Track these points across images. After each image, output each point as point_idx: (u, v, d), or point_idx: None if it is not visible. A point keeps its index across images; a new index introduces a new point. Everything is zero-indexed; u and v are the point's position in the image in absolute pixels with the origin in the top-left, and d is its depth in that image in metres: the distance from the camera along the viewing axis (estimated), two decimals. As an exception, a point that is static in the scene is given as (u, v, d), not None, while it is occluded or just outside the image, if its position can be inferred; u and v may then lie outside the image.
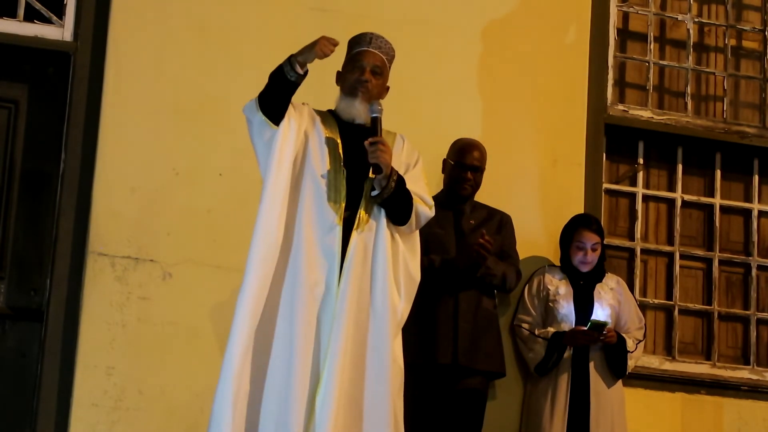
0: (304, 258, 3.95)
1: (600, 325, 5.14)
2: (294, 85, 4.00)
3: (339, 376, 3.87)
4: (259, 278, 3.90)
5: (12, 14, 5.35)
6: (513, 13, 5.75)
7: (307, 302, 3.91)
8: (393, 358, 3.99)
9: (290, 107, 4.07)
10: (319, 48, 3.96)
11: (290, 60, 3.99)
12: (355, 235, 3.99)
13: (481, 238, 4.96)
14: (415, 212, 4.09)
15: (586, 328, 5.16)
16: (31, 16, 5.35)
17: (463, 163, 5.24)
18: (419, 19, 5.60)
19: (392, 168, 4.01)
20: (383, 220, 4.06)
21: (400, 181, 4.04)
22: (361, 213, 4.03)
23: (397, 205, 4.05)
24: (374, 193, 4.01)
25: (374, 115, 4.04)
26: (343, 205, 4.01)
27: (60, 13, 5.36)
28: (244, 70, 5.35)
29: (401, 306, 4.05)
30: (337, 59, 4.28)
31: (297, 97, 4.14)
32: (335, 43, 3.99)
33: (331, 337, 3.90)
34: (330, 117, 4.20)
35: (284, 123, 4.02)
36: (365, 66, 4.16)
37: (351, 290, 3.94)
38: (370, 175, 4.01)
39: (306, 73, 4.00)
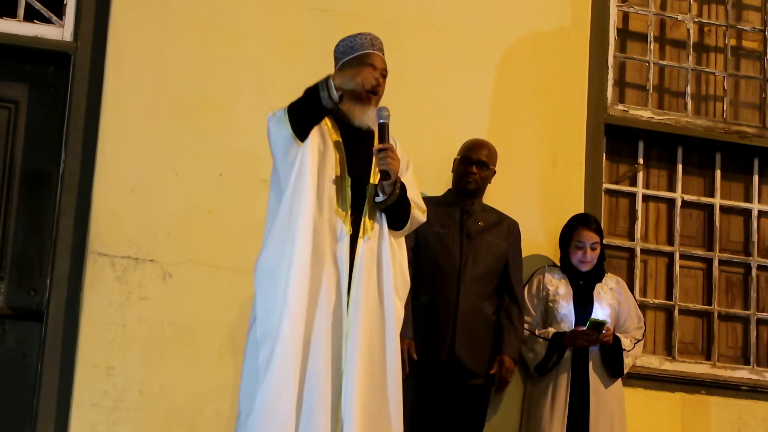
0: (321, 268, 3.92)
1: (599, 324, 5.14)
2: (328, 111, 3.93)
3: (359, 385, 3.85)
4: (301, 296, 3.87)
5: (12, 14, 5.35)
6: (513, 13, 5.75)
7: (326, 313, 3.89)
8: (399, 363, 4.00)
9: None
10: (360, 81, 3.89)
11: (327, 83, 3.88)
12: (361, 243, 3.96)
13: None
14: (411, 218, 4.08)
15: (584, 328, 5.17)
16: (31, 16, 5.35)
17: (469, 157, 5.25)
18: (419, 19, 5.60)
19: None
20: (384, 226, 4.04)
21: (403, 187, 4.02)
22: (366, 220, 3.99)
23: (398, 211, 4.03)
24: (379, 199, 3.99)
25: (382, 121, 3.96)
26: (350, 212, 3.99)
27: (60, 13, 5.36)
28: (244, 70, 5.35)
29: (401, 310, 4.05)
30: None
31: (295, 94, 4.09)
32: (378, 79, 3.93)
33: (348, 347, 3.88)
34: (332, 117, 4.11)
35: (308, 139, 3.94)
36: (377, 69, 4.07)
37: (363, 298, 3.92)
38: (372, 180, 3.98)
39: (342, 98, 3.91)
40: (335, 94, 3.88)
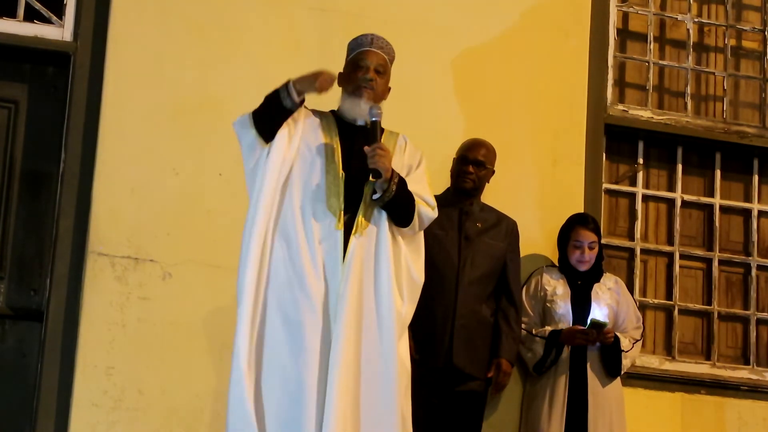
0: (306, 264, 3.93)
1: (599, 325, 5.14)
2: (290, 112, 4.03)
3: (342, 381, 3.86)
4: (252, 294, 3.93)
5: (12, 14, 5.35)
6: (513, 13, 5.75)
7: (312, 308, 3.90)
8: (400, 360, 3.99)
9: None
10: (319, 83, 3.99)
11: (287, 86, 4.00)
12: (353, 240, 3.98)
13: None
14: (418, 214, 4.08)
15: (585, 327, 5.17)
16: (31, 16, 5.35)
17: (466, 157, 5.26)
18: (419, 18, 5.60)
19: (393, 171, 4.00)
20: (384, 223, 4.05)
21: (401, 183, 4.03)
22: (360, 217, 4.02)
23: (398, 207, 4.04)
24: (375, 196, 4.01)
25: (374, 119, 4.02)
26: (342, 209, 4.00)
27: (60, 13, 5.36)
28: (244, 70, 5.35)
29: (405, 308, 4.04)
30: (342, 57, 4.29)
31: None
32: (334, 79, 4.05)
33: (332, 343, 3.90)
34: (331, 119, 4.19)
35: (276, 140, 4.03)
36: (369, 65, 4.16)
37: (350, 294, 3.92)
38: (370, 179, 4.00)
39: (302, 101, 4.04)
40: (294, 95, 3.99)
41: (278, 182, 4.01)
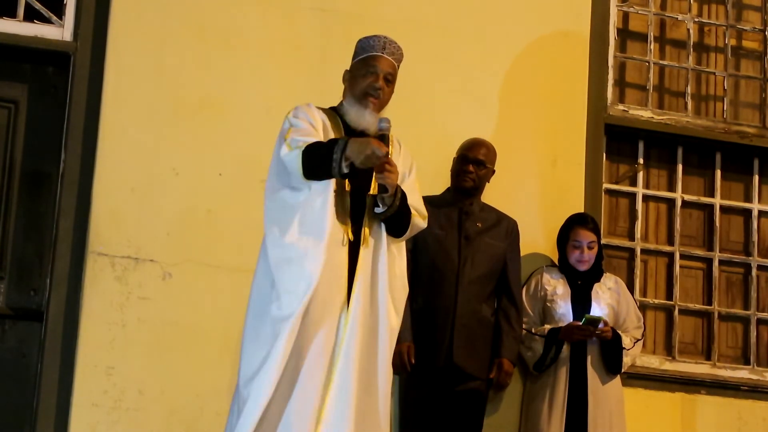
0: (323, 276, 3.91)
1: (595, 321, 5.15)
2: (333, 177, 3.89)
3: (353, 393, 3.83)
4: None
5: (12, 14, 5.35)
6: (512, 13, 5.75)
7: (322, 320, 3.87)
8: (389, 373, 3.99)
9: (310, 127, 3.99)
10: (364, 159, 3.78)
11: (343, 153, 3.78)
12: (362, 252, 3.94)
13: None
14: (411, 225, 4.06)
15: (581, 323, 5.17)
16: (31, 16, 5.35)
17: (467, 156, 5.26)
18: (419, 19, 5.60)
19: (397, 185, 3.96)
20: (384, 235, 4.01)
21: (404, 197, 4.00)
22: (366, 229, 3.98)
23: (398, 221, 4.01)
24: (379, 210, 3.96)
25: (382, 133, 3.92)
26: (349, 221, 3.96)
27: (60, 13, 5.36)
28: (244, 70, 5.35)
29: (397, 323, 4.03)
30: (342, 57, 4.28)
31: (301, 95, 4.08)
32: (383, 155, 3.82)
33: (342, 355, 3.85)
34: (338, 121, 4.10)
35: None
36: (379, 73, 4.06)
37: (362, 307, 3.90)
38: (372, 191, 3.96)
39: (352, 167, 3.83)
40: (344, 167, 3.81)
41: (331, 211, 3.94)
